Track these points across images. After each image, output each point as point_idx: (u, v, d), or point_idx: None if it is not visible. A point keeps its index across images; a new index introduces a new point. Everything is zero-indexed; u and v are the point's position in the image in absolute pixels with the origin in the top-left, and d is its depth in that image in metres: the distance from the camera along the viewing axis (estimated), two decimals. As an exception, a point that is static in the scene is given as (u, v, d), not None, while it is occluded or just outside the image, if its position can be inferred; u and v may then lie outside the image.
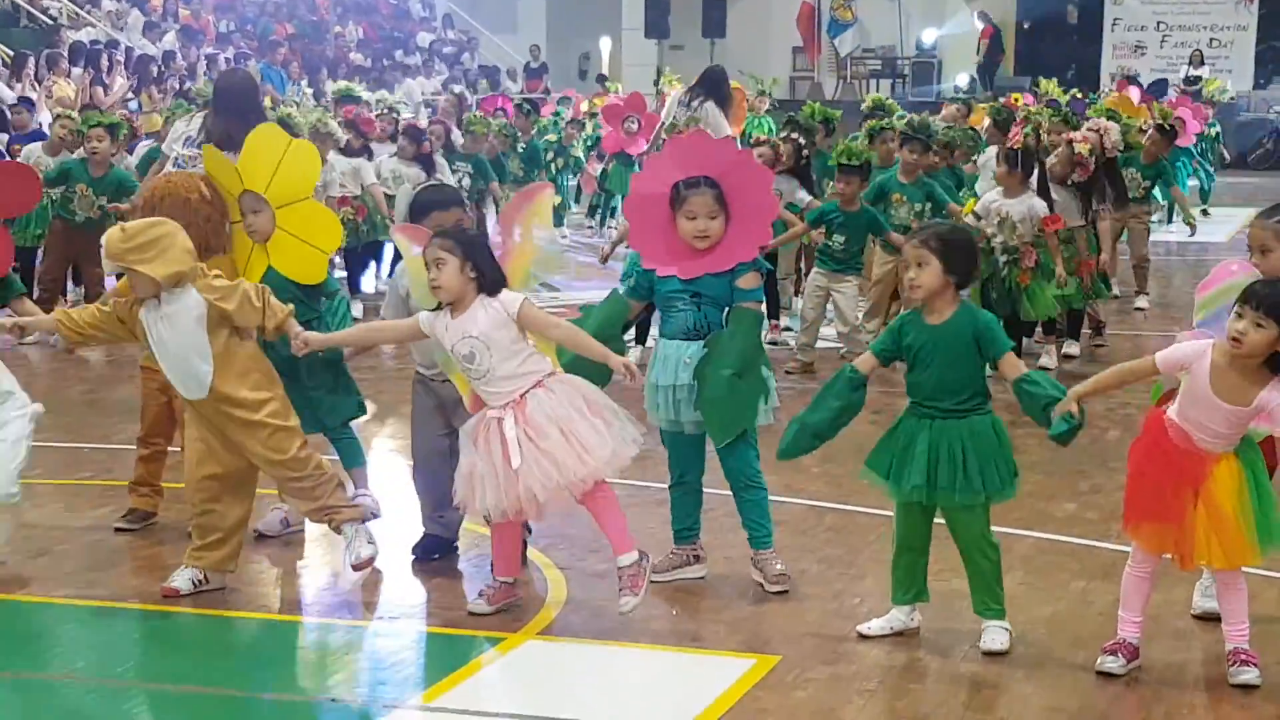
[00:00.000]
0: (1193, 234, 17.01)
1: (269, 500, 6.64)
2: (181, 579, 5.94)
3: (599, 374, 5.78)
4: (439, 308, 5.71)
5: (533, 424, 5.55)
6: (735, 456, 6.05)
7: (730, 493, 6.28)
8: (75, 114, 13.60)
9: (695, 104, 15.26)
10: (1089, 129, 11.09)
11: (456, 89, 25.49)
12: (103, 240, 5.73)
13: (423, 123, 16.06)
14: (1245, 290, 5.01)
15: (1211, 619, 5.61)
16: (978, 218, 10.19)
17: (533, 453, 5.53)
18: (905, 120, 13.72)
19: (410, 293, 6.19)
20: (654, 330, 6.28)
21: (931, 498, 5.44)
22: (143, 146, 14.08)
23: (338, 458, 6.76)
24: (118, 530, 6.66)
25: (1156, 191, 15.89)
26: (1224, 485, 5.09)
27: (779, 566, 6.09)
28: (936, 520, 5.57)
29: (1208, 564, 5.23)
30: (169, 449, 6.93)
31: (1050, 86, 19.84)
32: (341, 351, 6.63)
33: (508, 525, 5.77)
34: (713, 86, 15.83)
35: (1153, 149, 12.92)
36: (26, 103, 17.04)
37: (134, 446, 6.93)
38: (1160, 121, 13.16)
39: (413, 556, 6.45)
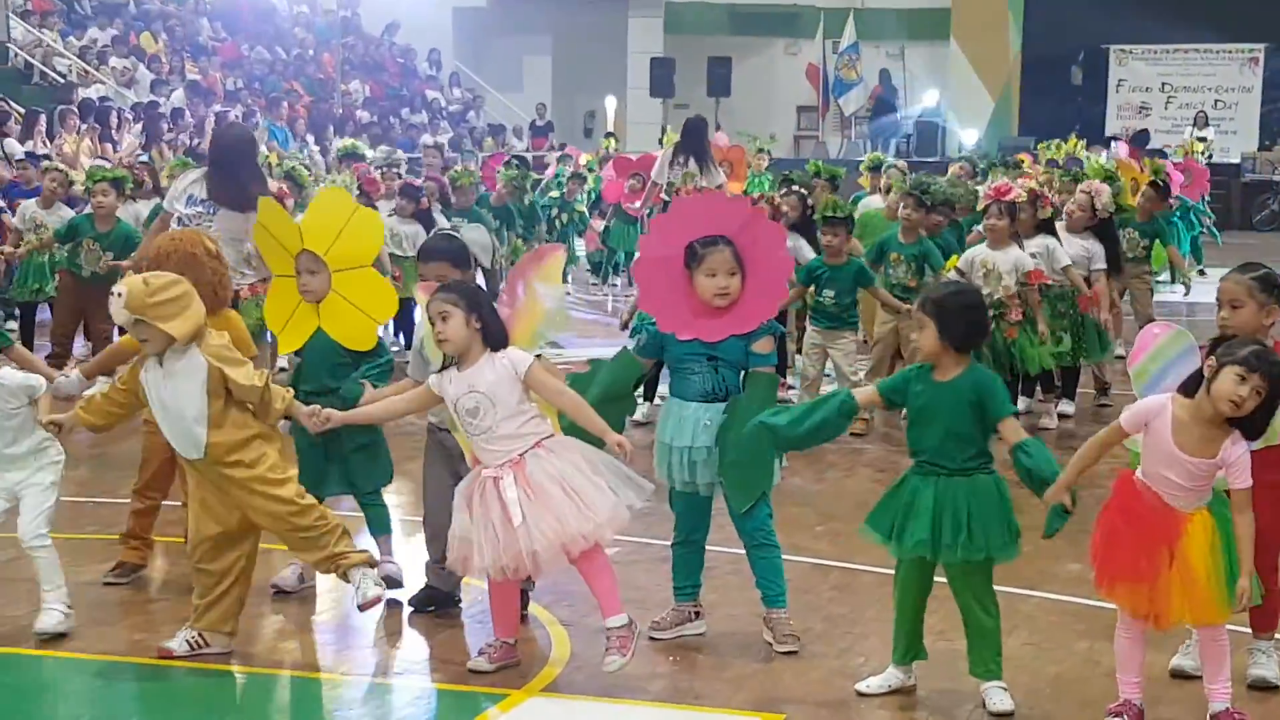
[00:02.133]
0: (1186, 294, 17.02)
1: (284, 555, 6.64)
2: (177, 640, 5.91)
3: (596, 441, 5.78)
4: (445, 365, 5.73)
5: (533, 483, 5.55)
6: (750, 516, 6.03)
7: (732, 551, 6.29)
8: (62, 166, 13.65)
9: (687, 162, 15.37)
10: (1082, 190, 11.08)
11: (426, 139, 25.51)
12: (119, 290, 5.68)
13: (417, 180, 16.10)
14: (1246, 355, 4.98)
15: (1184, 677, 5.67)
16: (960, 274, 10.19)
17: (534, 511, 5.53)
18: (906, 179, 13.70)
19: (427, 352, 6.22)
20: (662, 388, 6.24)
21: (935, 554, 5.44)
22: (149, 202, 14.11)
23: (365, 523, 6.77)
24: (106, 584, 6.64)
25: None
26: (1197, 543, 5.11)
27: (789, 628, 6.08)
28: (938, 580, 5.57)
29: (1180, 623, 5.24)
30: (164, 503, 6.93)
31: (1070, 146, 19.85)
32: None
33: (506, 586, 5.77)
34: (694, 138, 15.93)
35: (1148, 206, 12.72)
36: (32, 158, 17.06)
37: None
38: (1154, 178, 13.00)
39: (410, 608, 6.45)
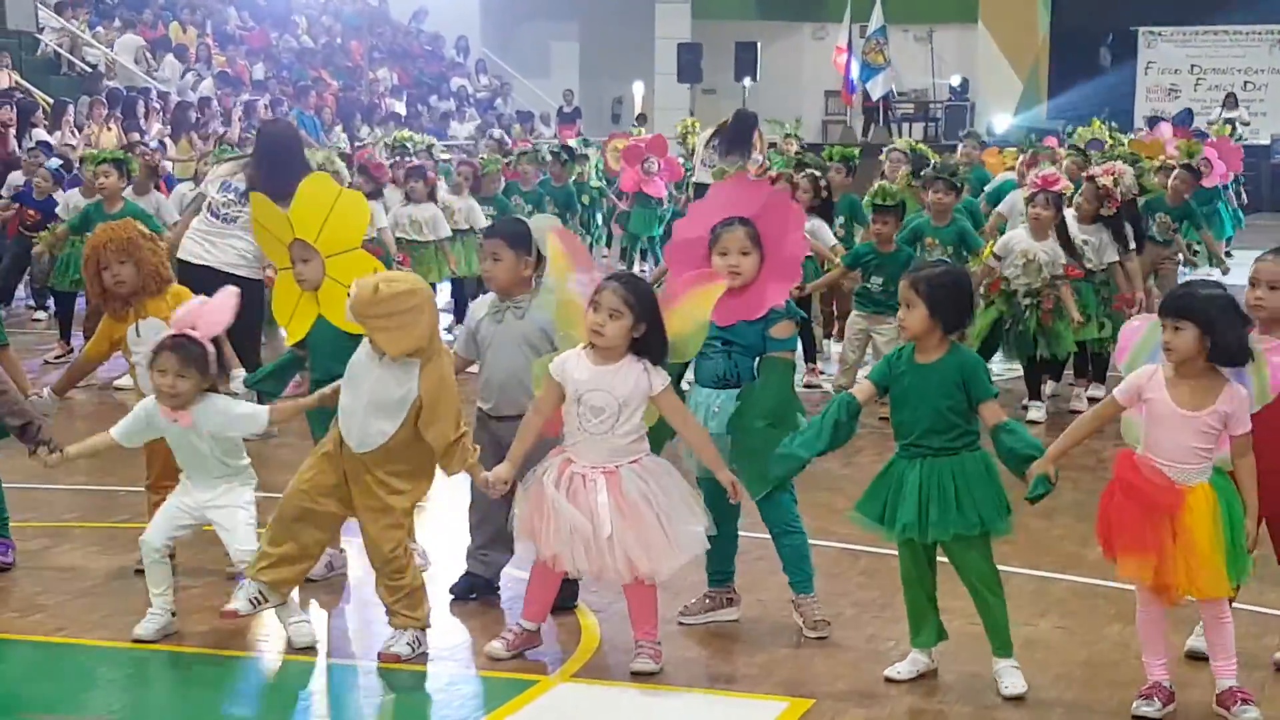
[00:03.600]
0: (1225, 275, 16.88)
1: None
2: (241, 600, 5.82)
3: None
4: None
5: (627, 500, 5.52)
6: (773, 503, 6.02)
7: (761, 536, 6.28)
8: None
9: (731, 156, 15.36)
10: (1104, 171, 11.03)
11: (496, 133, 25.63)
12: (352, 290, 5.62)
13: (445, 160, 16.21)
14: (1160, 306, 5.21)
15: (1201, 658, 5.62)
16: (998, 258, 10.17)
17: (622, 528, 5.50)
18: (932, 163, 13.61)
19: (481, 324, 6.25)
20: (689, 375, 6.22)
21: (924, 534, 5.45)
22: (186, 188, 14.18)
23: None
24: (138, 573, 6.63)
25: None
26: (1198, 515, 5.11)
27: (819, 613, 6.08)
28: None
29: (1187, 595, 5.23)
30: None
31: (1094, 128, 19.71)
32: None
33: (552, 572, 5.75)
34: (741, 128, 15.93)
35: (1180, 189, 12.66)
36: (45, 147, 16.98)
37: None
38: (1187, 161, 12.92)
39: (450, 596, 6.46)
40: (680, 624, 6.14)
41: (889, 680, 5.58)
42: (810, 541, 6.22)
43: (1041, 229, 10.10)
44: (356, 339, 6.23)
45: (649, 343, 5.57)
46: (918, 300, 5.44)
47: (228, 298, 6.20)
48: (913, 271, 5.60)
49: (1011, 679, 5.46)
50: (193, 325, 6.01)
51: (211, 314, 6.08)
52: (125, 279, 6.62)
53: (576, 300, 5.68)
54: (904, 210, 10.53)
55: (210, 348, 6.01)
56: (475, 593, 6.47)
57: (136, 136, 19.88)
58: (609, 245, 20.74)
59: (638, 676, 5.61)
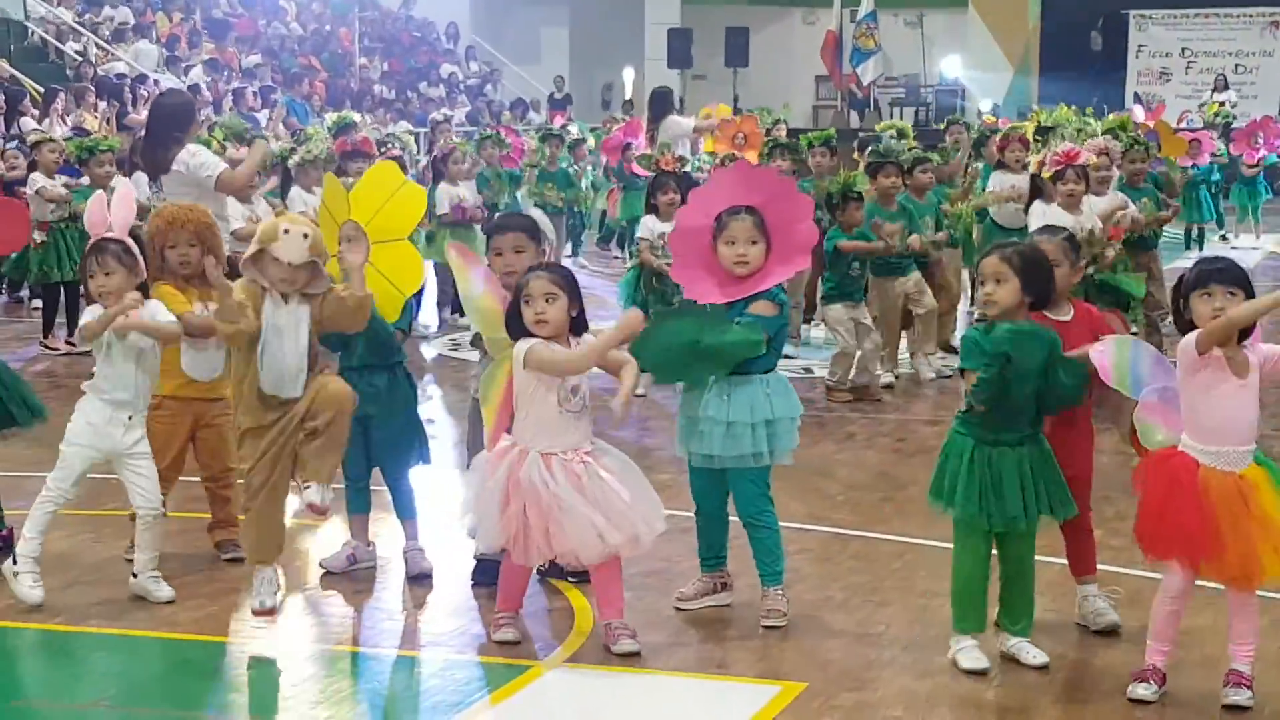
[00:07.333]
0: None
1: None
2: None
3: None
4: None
5: (551, 484, 5.55)
6: (743, 495, 6.02)
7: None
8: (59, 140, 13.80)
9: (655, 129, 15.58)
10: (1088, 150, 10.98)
11: (444, 113, 25.47)
12: (306, 230, 5.83)
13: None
14: (1202, 273, 5.12)
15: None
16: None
17: (522, 514, 5.56)
18: (870, 149, 13.48)
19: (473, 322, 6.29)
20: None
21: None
22: None
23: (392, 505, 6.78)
24: (129, 561, 6.57)
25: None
26: (1265, 494, 5.06)
27: (780, 604, 6.02)
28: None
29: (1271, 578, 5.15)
30: (182, 478, 6.96)
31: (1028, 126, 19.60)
32: (416, 401, 6.77)
33: (517, 565, 5.80)
34: (658, 105, 16.15)
35: (1133, 169, 12.48)
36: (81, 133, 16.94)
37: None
38: (1134, 140, 12.83)
39: (473, 582, 6.47)
40: (676, 609, 6.15)
41: (970, 673, 5.49)
42: (802, 526, 6.24)
43: (1074, 205, 9.96)
44: (384, 327, 6.32)
45: (580, 321, 5.68)
46: (1011, 275, 5.37)
47: (126, 190, 6.45)
48: (1000, 247, 5.54)
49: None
50: (108, 228, 6.27)
51: (117, 211, 6.32)
52: (192, 260, 6.68)
53: (495, 305, 5.77)
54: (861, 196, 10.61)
55: (131, 243, 6.26)
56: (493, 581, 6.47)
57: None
58: (599, 229, 20.74)
59: (626, 658, 5.64)
